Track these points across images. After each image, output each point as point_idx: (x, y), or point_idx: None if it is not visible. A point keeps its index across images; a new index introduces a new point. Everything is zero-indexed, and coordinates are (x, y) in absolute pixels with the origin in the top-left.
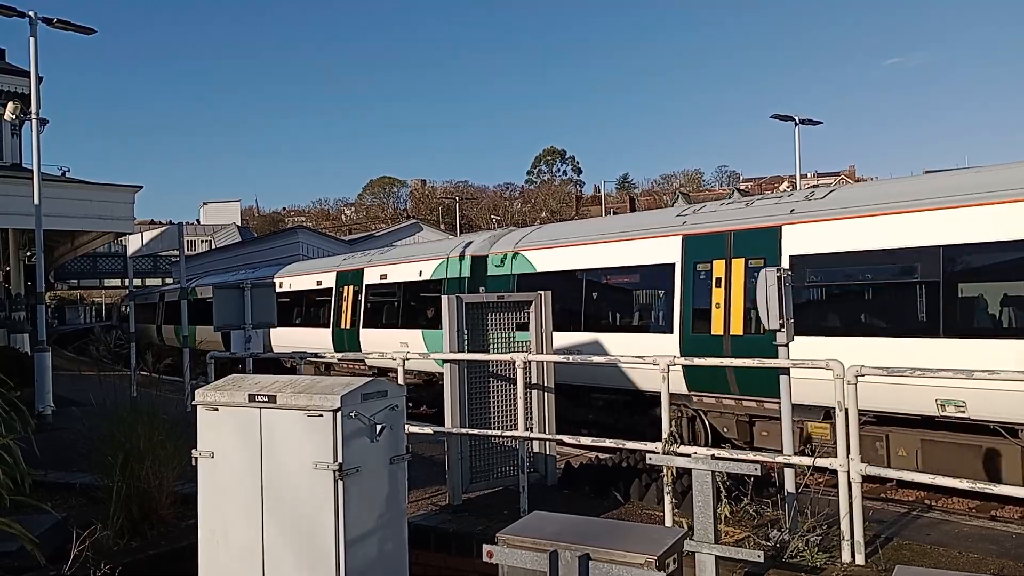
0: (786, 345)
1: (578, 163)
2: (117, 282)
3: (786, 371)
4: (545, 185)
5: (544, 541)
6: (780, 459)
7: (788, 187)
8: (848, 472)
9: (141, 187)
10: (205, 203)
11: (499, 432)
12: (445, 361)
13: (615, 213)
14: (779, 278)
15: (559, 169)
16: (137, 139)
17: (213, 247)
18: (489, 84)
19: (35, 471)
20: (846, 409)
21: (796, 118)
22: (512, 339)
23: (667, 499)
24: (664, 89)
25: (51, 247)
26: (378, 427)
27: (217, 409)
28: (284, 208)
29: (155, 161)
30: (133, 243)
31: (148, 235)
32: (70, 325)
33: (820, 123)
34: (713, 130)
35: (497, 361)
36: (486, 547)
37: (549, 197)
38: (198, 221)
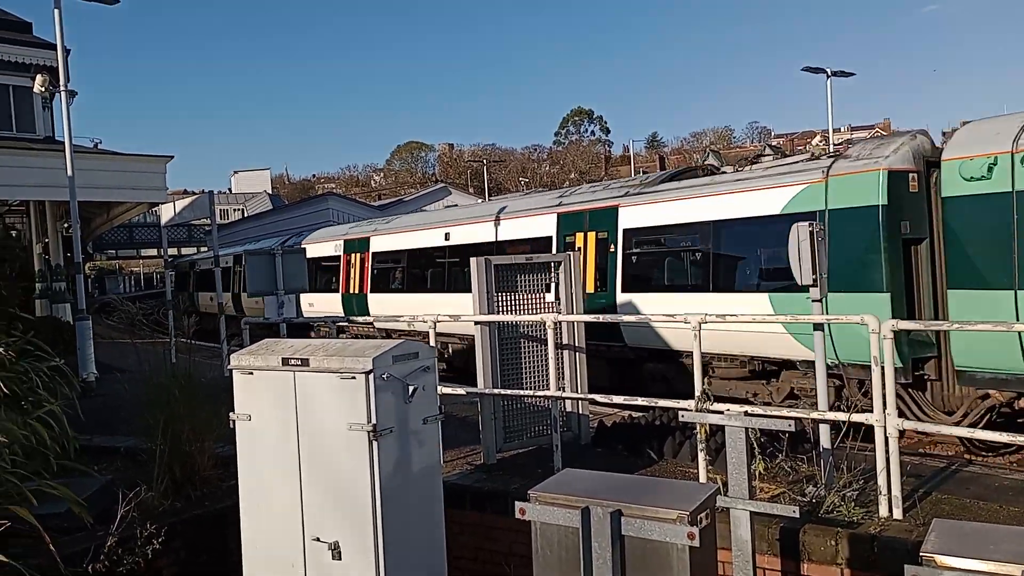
0: (820, 300)
1: (606, 123)
2: (154, 251)
3: (820, 327)
4: (573, 146)
5: (576, 498)
6: (815, 415)
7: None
8: (884, 427)
9: (172, 157)
10: (236, 172)
11: (531, 392)
12: (476, 323)
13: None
14: (811, 233)
15: (587, 129)
16: (168, 110)
17: (245, 215)
18: (514, 45)
19: (80, 435)
20: (882, 365)
21: (828, 70)
22: (540, 301)
23: (701, 456)
24: (693, 46)
25: (87, 218)
26: (410, 388)
27: (252, 373)
28: (314, 175)
29: (186, 131)
30: (166, 212)
31: (180, 204)
32: (110, 294)
33: (853, 75)
34: (744, 87)
35: (527, 322)
36: (518, 504)
37: (578, 158)
38: (229, 190)
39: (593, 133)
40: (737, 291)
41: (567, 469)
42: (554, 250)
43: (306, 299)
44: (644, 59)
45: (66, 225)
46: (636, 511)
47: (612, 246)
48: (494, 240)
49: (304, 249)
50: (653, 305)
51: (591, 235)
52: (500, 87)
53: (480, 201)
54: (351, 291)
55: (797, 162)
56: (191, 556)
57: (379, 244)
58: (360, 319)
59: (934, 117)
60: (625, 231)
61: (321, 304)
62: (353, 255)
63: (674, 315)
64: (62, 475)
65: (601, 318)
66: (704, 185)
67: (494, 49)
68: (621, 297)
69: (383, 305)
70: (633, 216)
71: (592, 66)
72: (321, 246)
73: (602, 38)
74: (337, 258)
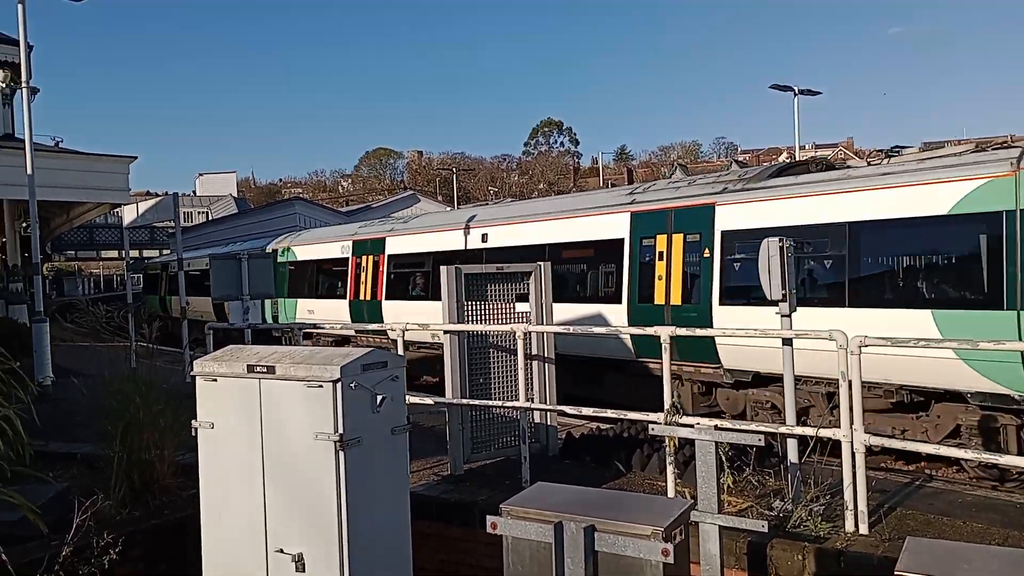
0: (788, 316)
1: (575, 134)
2: (115, 253)
3: (789, 342)
4: (542, 156)
5: (549, 512)
6: (783, 429)
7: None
8: (852, 442)
9: (136, 158)
10: (201, 174)
11: (500, 403)
12: (445, 332)
13: (612, 184)
14: (781, 248)
15: (556, 140)
16: (131, 111)
17: (209, 218)
18: (484, 54)
19: (36, 441)
20: (849, 380)
21: (795, 88)
22: (512, 310)
23: (670, 469)
24: (662, 60)
25: (46, 218)
26: (379, 397)
27: (216, 380)
28: (281, 180)
29: (150, 133)
30: (128, 214)
31: (144, 206)
32: (68, 296)
33: (819, 93)
34: (712, 102)
35: (497, 332)
36: (490, 518)
37: (547, 168)
38: (194, 192)
39: (562, 144)
40: (885, 306)
41: (539, 483)
42: (627, 255)
43: (304, 305)
44: (614, 72)
45: (24, 225)
46: (610, 527)
47: (706, 250)
48: (546, 243)
49: (272, 253)
50: (763, 322)
51: (677, 238)
52: (470, 96)
53: (449, 209)
54: (362, 297)
55: (957, 154)
56: (150, 566)
57: (398, 246)
58: (372, 327)
59: (895, 138)
60: (724, 233)
61: (324, 311)
62: (364, 258)
63: (807, 332)
64: (16, 482)
65: (571, 329)
66: (835, 180)
67: (465, 58)
68: (719, 311)
69: (401, 314)
70: (735, 216)
71: (562, 78)
72: (322, 247)
73: (573, 50)
74: (344, 261)
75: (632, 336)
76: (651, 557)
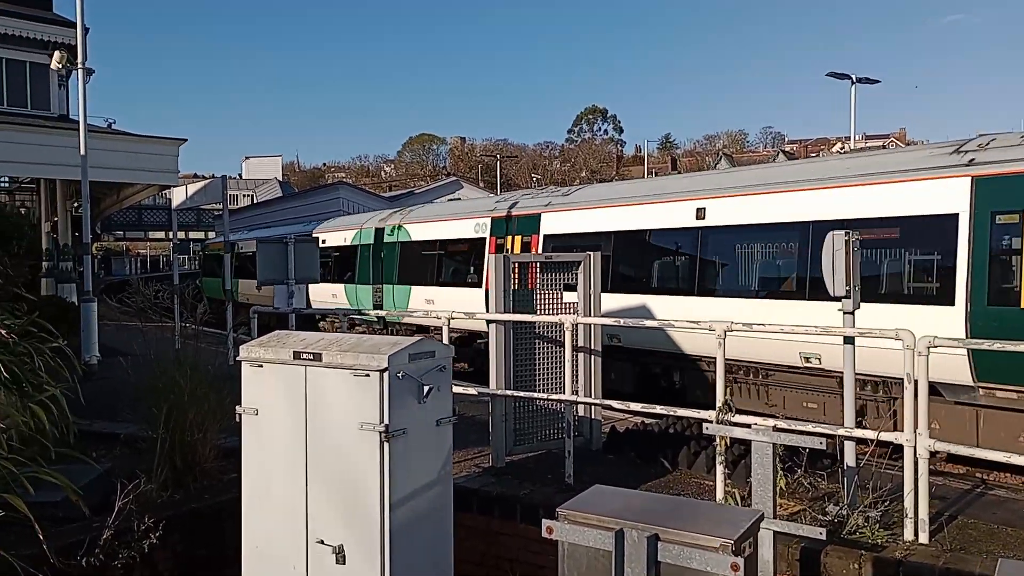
0: (852, 313)
1: (620, 122)
2: (161, 234)
3: (851, 340)
4: (586, 144)
5: (608, 518)
6: (842, 431)
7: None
8: (915, 447)
9: (185, 140)
10: (247, 158)
11: (545, 395)
12: (491, 321)
13: (656, 174)
14: (847, 243)
15: (600, 128)
16: (182, 94)
17: (255, 201)
18: (529, 41)
19: (81, 420)
20: (915, 381)
21: (853, 77)
22: (559, 300)
23: (719, 469)
24: (709, 48)
25: (97, 199)
26: (425, 388)
27: (262, 366)
28: (324, 164)
29: (199, 115)
30: (177, 196)
31: (192, 188)
32: (116, 275)
33: (878, 82)
34: (760, 90)
35: (543, 323)
36: (545, 522)
37: (589, 156)
38: (240, 176)
39: (606, 132)
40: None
41: (596, 486)
42: (965, 236)
43: (422, 293)
44: (660, 59)
45: (76, 205)
46: (674, 536)
47: None
48: (809, 221)
49: (316, 239)
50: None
51: (516, 238)
52: (513, 82)
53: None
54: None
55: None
56: (188, 550)
57: (559, 223)
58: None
59: (949, 128)
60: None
61: (448, 301)
62: (510, 239)
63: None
64: (59, 462)
65: (622, 322)
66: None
67: (509, 43)
68: None
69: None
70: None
71: (607, 65)
72: (447, 225)
73: (618, 37)
74: (479, 242)
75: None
76: (719, 571)
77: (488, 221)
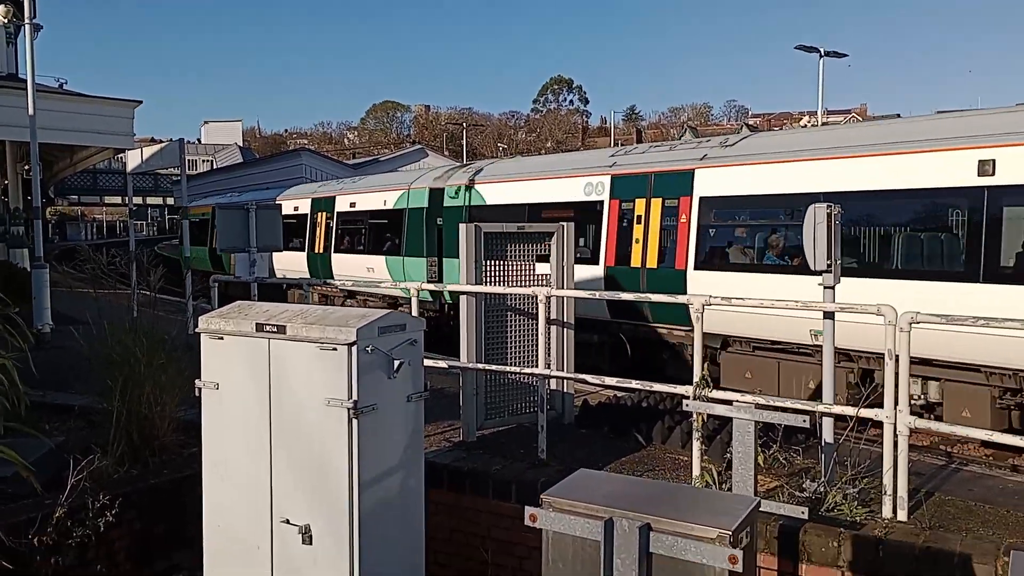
0: (832, 288)
1: (585, 93)
2: (119, 199)
3: (831, 315)
4: (551, 114)
5: (597, 506)
6: (821, 408)
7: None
8: (895, 424)
9: (141, 102)
10: (206, 122)
11: (518, 369)
12: (461, 293)
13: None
14: (829, 215)
15: (566, 99)
16: (139, 55)
17: (214, 167)
18: (494, 8)
19: (33, 391)
20: (896, 356)
21: (821, 50)
22: (532, 272)
23: (696, 446)
24: (674, 19)
25: (49, 161)
26: (396, 363)
27: (222, 338)
28: (286, 130)
29: (156, 78)
30: (132, 159)
31: (148, 151)
32: (71, 241)
33: (845, 55)
34: (724, 63)
35: (515, 295)
36: (528, 510)
37: (555, 127)
38: (199, 140)
39: (571, 103)
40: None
41: (581, 470)
42: None
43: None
44: (626, 31)
45: (26, 167)
46: (667, 526)
47: None
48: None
49: (279, 206)
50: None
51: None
52: (479, 50)
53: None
54: (636, 263)
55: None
56: (147, 527)
57: (722, 182)
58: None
59: (911, 105)
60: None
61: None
62: (643, 202)
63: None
64: (9, 435)
65: (596, 294)
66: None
67: (475, 10)
68: None
69: (732, 290)
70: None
71: (573, 35)
72: (528, 187)
73: (583, 5)
74: (590, 207)
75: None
76: (716, 564)
77: (607, 180)
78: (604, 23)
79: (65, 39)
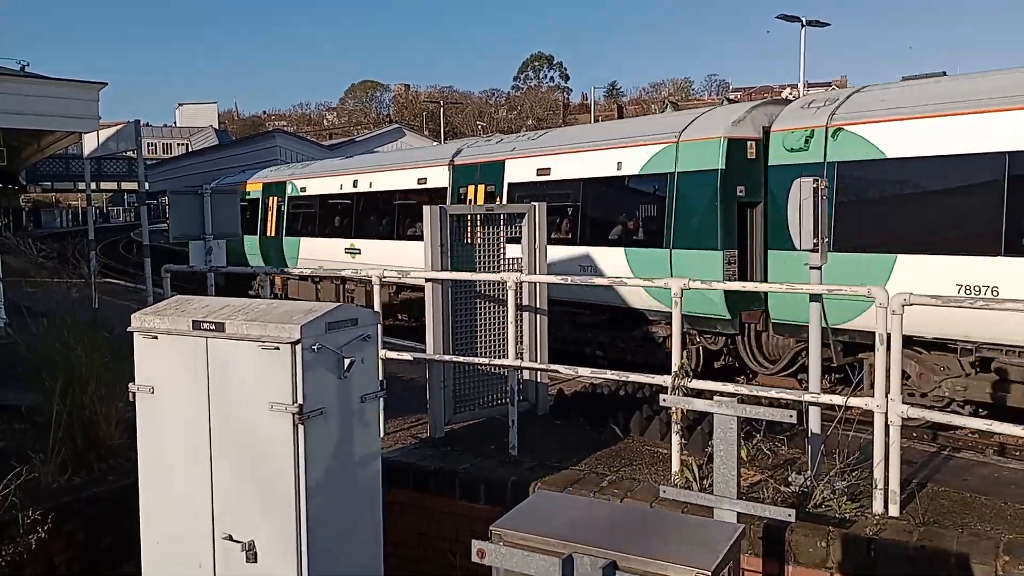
0: (819, 268)
1: (566, 70)
2: (94, 184)
3: (818, 297)
4: (532, 92)
5: (555, 540)
6: (807, 397)
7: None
8: (886, 414)
9: (106, 84)
10: (181, 104)
11: (487, 360)
12: (427, 280)
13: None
14: (815, 190)
15: (546, 76)
16: (110, 36)
17: (189, 150)
18: None
19: None
20: (888, 340)
21: (803, 19)
22: (500, 256)
23: (675, 440)
24: None
25: (16, 147)
26: (346, 361)
27: (157, 337)
28: (264, 112)
29: (129, 60)
30: (89, 143)
31: (104, 134)
32: (47, 228)
33: (827, 25)
34: (705, 37)
35: (484, 281)
36: (476, 544)
37: (536, 104)
38: (174, 123)
39: (552, 79)
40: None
41: (540, 491)
42: None
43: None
44: (606, 5)
45: None
46: (636, 564)
47: None
48: None
49: (236, 190)
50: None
51: None
52: (458, 28)
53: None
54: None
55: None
56: (91, 539)
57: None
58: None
59: (891, 75)
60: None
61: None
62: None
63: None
64: None
65: (568, 279)
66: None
67: None
68: None
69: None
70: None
71: (553, 11)
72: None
73: None
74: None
75: None
76: None
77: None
78: None
79: (32, 22)
